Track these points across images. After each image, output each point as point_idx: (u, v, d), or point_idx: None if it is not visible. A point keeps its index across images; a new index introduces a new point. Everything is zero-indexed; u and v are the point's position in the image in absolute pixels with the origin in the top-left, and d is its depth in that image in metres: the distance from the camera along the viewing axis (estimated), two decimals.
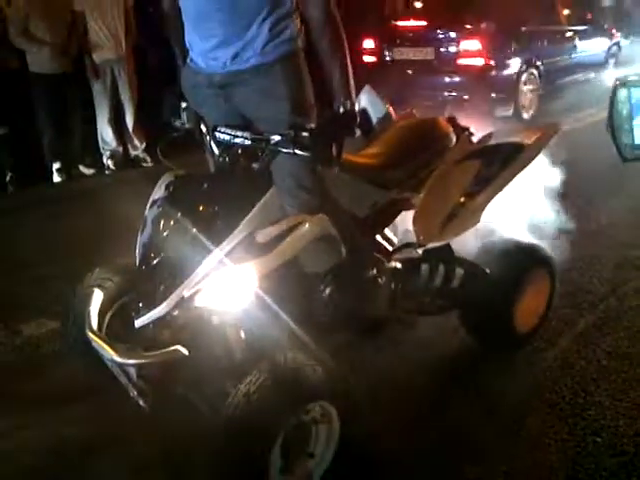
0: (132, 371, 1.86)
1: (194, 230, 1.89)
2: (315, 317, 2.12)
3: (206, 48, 1.93)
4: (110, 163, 5.85)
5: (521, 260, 2.59)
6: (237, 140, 1.93)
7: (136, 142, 5.91)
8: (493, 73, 7.05)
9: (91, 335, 1.92)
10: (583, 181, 4.20)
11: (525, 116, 7.34)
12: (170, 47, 2.17)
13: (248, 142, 1.91)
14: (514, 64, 7.25)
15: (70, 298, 2.24)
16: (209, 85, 1.97)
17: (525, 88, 7.35)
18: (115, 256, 2.34)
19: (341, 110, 1.77)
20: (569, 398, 2.38)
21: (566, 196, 3.33)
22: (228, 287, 1.82)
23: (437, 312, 2.50)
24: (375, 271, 2.22)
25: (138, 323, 1.87)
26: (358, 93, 2.59)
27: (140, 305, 1.91)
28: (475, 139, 2.60)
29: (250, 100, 1.94)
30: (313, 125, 1.79)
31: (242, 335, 1.90)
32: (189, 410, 1.94)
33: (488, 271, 2.48)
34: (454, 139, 2.54)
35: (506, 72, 7.19)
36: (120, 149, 5.91)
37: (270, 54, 1.85)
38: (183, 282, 1.83)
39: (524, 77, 7.34)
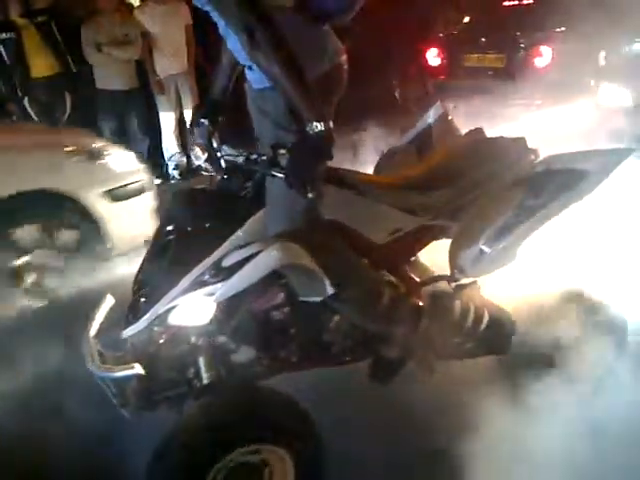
0: (109, 382, 1.90)
1: (179, 246, 1.88)
2: (310, 347, 2.01)
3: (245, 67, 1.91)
4: (175, 173, 6.11)
5: None
6: (234, 159, 1.90)
7: (199, 152, 6.05)
8: None
9: (83, 341, 1.99)
10: None
11: None
12: None
13: (241, 162, 1.86)
14: None
15: None
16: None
17: None
18: None
19: (313, 132, 1.61)
20: None
21: None
22: (194, 309, 1.78)
23: (465, 356, 2.21)
24: (388, 303, 2.02)
25: (123, 335, 1.90)
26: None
27: (129, 317, 1.95)
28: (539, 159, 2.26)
29: (254, 119, 1.93)
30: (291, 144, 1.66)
31: (209, 356, 1.84)
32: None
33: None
34: (514, 162, 2.24)
35: None
36: (184, 159, 6.12)
37: None
38: (161, 299, 1.83)
39: None
